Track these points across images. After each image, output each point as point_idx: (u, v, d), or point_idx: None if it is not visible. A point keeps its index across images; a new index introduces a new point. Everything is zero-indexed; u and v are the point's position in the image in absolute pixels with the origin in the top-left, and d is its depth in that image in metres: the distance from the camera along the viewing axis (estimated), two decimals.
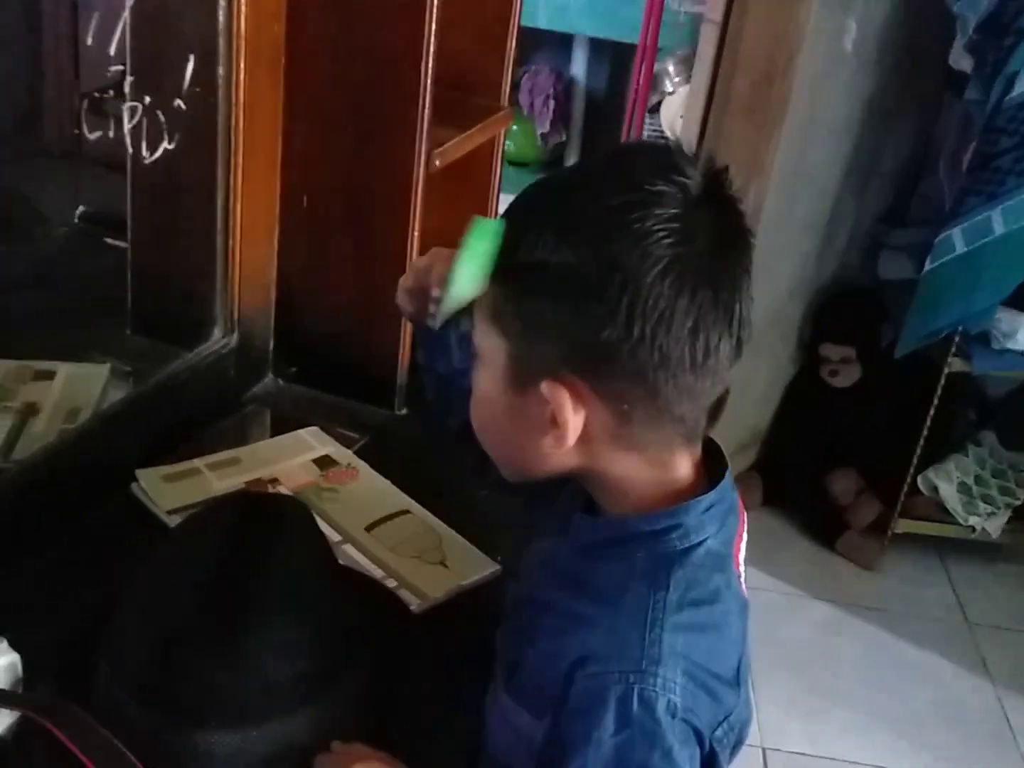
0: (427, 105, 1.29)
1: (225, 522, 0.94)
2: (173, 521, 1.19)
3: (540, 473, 0.90)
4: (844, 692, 2.46)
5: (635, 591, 0.85)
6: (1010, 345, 2.62)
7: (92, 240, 1.66)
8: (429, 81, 1.28)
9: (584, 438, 0.83)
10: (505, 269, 0.83)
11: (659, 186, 0.80)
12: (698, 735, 0.83)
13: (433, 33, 1.26)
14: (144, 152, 1.19)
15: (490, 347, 0.87)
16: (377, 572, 1.16)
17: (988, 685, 2.51)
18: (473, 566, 1.20)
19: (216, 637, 0.87)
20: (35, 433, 1.27)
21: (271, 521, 0.96)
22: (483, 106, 1.50)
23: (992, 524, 2.85)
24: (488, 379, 0.88)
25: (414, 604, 1.14)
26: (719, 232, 0.81)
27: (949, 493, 2.82)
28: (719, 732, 0.86)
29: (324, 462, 1.33)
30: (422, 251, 1.38)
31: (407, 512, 1.26)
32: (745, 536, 0.94)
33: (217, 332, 1.39)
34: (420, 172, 1.33)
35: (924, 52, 2.70)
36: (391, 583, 1.15)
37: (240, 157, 1.29)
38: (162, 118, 1.19)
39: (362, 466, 1.33)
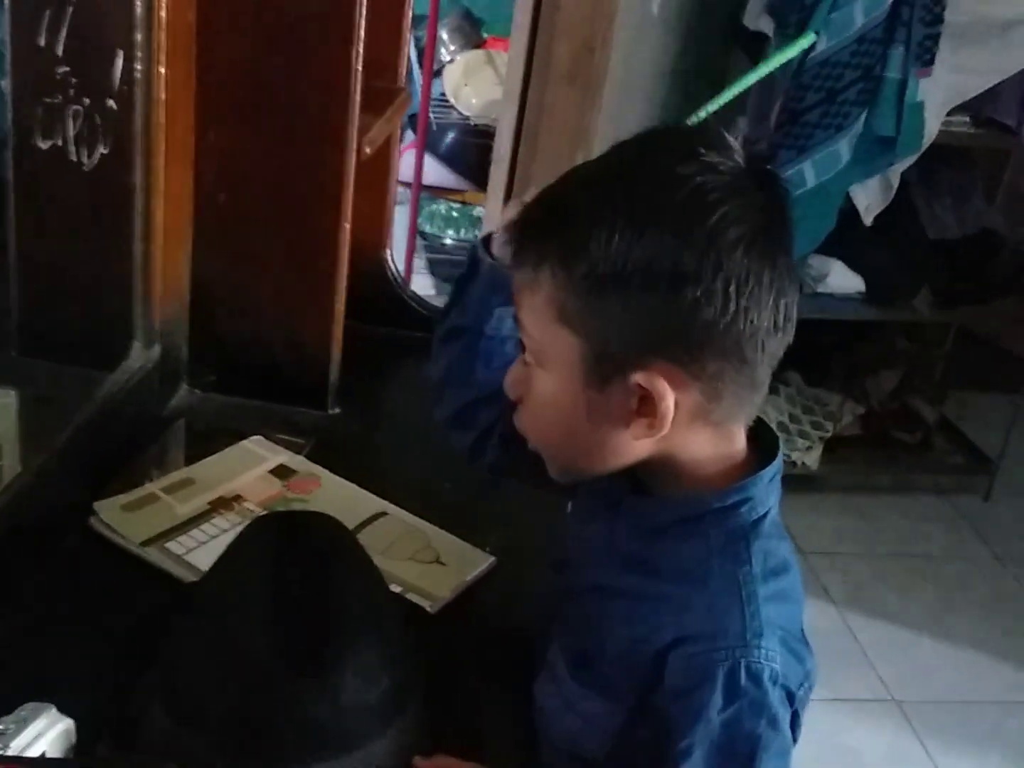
0: (358, 91, 1.24)
1: (270, 551, 0.89)
2: (148, 554, 1.11)
3: (609, 468, 0.89)
4: None
5: (720, 568, 0.86)
6: (821, 288, 2.79)
7: None
8: (359, 66, 1.23)
9: (671, 422, 0.83)
10: (573, 268, 0.81)
11: (721, 164, 0.81)
12: (790, 697, 0.86)
13: (364, 16, 1.21)
14: (84, 159, 1.08)
15: (555, 348, 0.84)
16: None
17: (832, 608, 2.69)
18: (469, 561, 1.17)
19: (306, 671, 0.82)
20: None
21: (317, 541, 0.91)
22: (385, 89, 1.46)
23: (810, 457, 3.04)
24: (551, 382, 0.86)
25: (427, 606, 1.10)
26: (773, 200, 0.84)
27: None
28: (801, 692, 0.88)
29: (282, 472, 1.27)
30: (353, 245, 1.33)
31: (384, 514, 1.22)
32: None
33: (138, 347, 1.29)
34: (351, 161, 1.27)
35: (711, 13, 2.81)
36: (395, 588, 1.11)
37: (161, 157, 1.20)
38: (99, 120, 1.08)
39: (322, 472, 1.28)
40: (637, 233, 0.79)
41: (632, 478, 0.92)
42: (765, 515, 0.88)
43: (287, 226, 1.32)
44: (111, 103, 1.09)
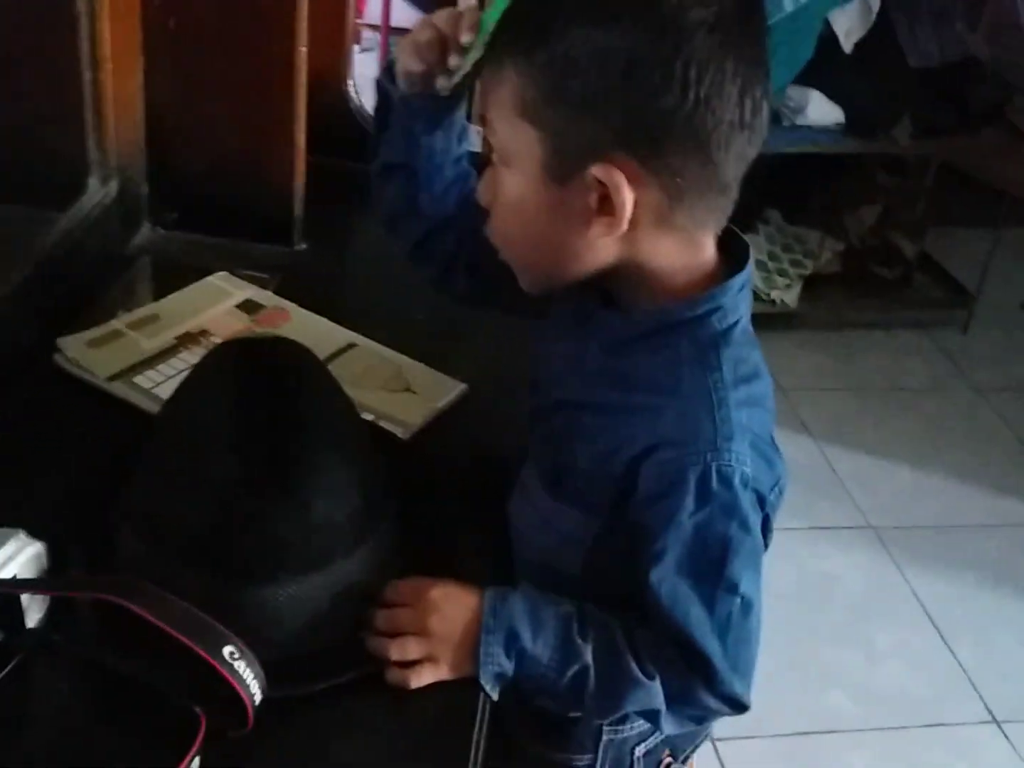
0: None
1: (233, 373, 0.88)
2: (115, 388, 1.10)
3: (576, 274, 0.87)
4: None
5: (690, 376, 0.86)
6: (799, 121, 2.74)
7: None
8: None
9: (632, 222, 0.81)
10: (534, 59, 0.79)
11: None
12: (761, 501, 0.87)
13: None
14: None
15: (518, 144, 0.83)
16: None
17: (810, 441, 2.72)
18: (439, 388, 1.17)
19: (273, 488, 0.82)
20: None
21: (280, 364, 0.90)
22: None
23: (789, 295, 3.04)
24: (516, 181, 0.84)
25: (398, 433, 1.10)
26: None
27: None
28: (772, 496, 0.89)
29: (249, 307, 1.25)
30: (310, 69, 1.29)
31: (354, 345, 1.21)
32: None
33: (94, 183, 1.25)
34: None
35: None
36: (367, 417, 1.10)
37: None
38: None
39: (290, 306, 1.26)
40: (595, 18, 0.77)
41: (603, 294, 0.91)
42: (736, 323, 0.87)
43: (242, 51, 1.27)
44: None
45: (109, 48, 1.18)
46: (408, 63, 0.96)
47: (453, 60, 0.91)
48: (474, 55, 0.87)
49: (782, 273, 3.04)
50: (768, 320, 3.02)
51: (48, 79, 1.19)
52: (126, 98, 1.26)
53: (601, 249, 0.84)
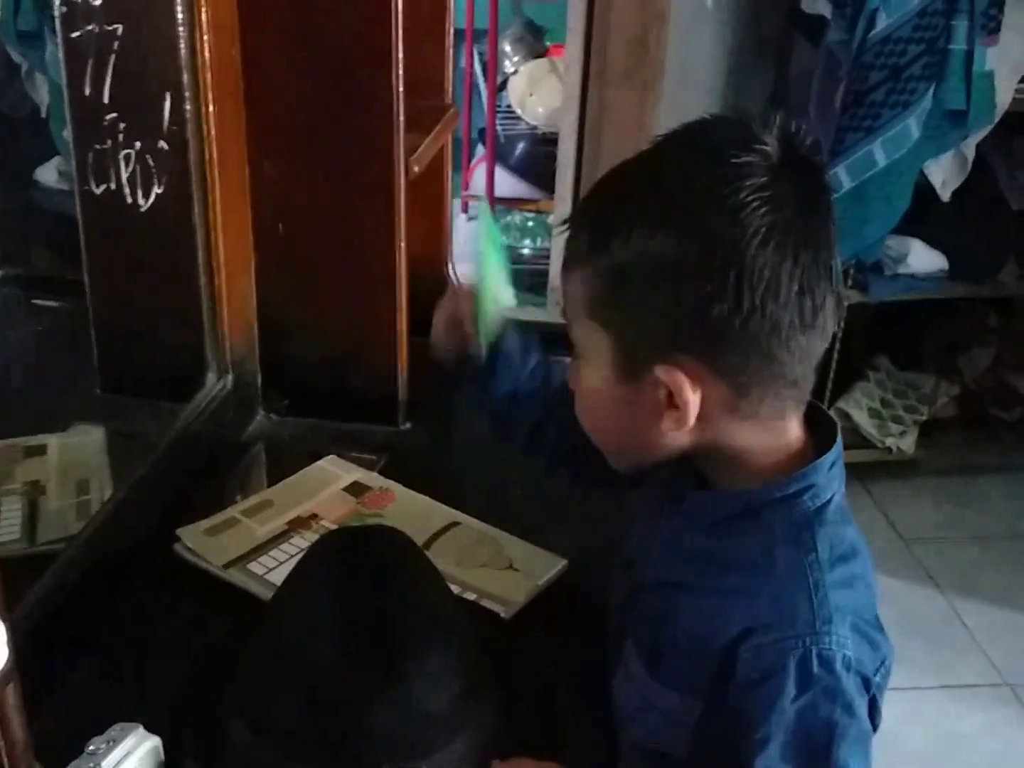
0: (401, 112, 1.26)
1: (336, 564, 0.91)
2: (231, 576, 1.14)
3: (656, 457, 0.90)
4: None
5: (785, 557, 0.86)
6: (901, 270, 2.74)
7: (16, 304, 1.58)
8: (401, 87, 1.25)
9: (702, 416, 0.84)
10: (598, 264, 0.83)
11: (743, 157, 0.81)
12: (866, 684, 0.85)
13: (400, 38, 1.23)
14: (140, 200, 1.13)
15: (592, 342, 0.87)
16: (453, 588, 1.13)
17: (938, 594, 2.63)
18: (542, 565, 1.18)
19: (375, 680, 0.84)
20: (52, 511, 1.20)
21: (380, 554, 0.93)
22: (432, 107, 1.48)
23: (905, 442, 2.98)
24: (594, 373, 0.88)
25: (501, 612, 1.12)
26: (805, 193, 0.83)
27: (863, 419, 2.93)
28: (878, 678, 0.87)
29: (356, 489, 1.30)
30: (412, 255, 1.36)
31: (457, 524, 1.24)
32: None
33: (211, 377, 1.33)
34: (400, 181, 1.30)
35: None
36: (470, 596, 1.13)
37: (217, 192, 1.24)
38: (151, 162, 1.13)
39: (395, 486, 1.30)
40: (652, 229, 0.80)
41: (696, 472, 0.92)
42: (829, 501, 0.88)
43: (345, 250, 1.36)
44: (162, 144, 1.14)
45: (223, 254, 1.27)
46: (439, 344, 1.17)
47: (470, 329, 1.09)
48: (484, 320, 1.06)
49: (897, 420, 2.99)
50: (885, 468, 2.98)
51: (169, 286, 1.29)
52: (239, 298, 1.35)
53: (675, 438, 0.86)
